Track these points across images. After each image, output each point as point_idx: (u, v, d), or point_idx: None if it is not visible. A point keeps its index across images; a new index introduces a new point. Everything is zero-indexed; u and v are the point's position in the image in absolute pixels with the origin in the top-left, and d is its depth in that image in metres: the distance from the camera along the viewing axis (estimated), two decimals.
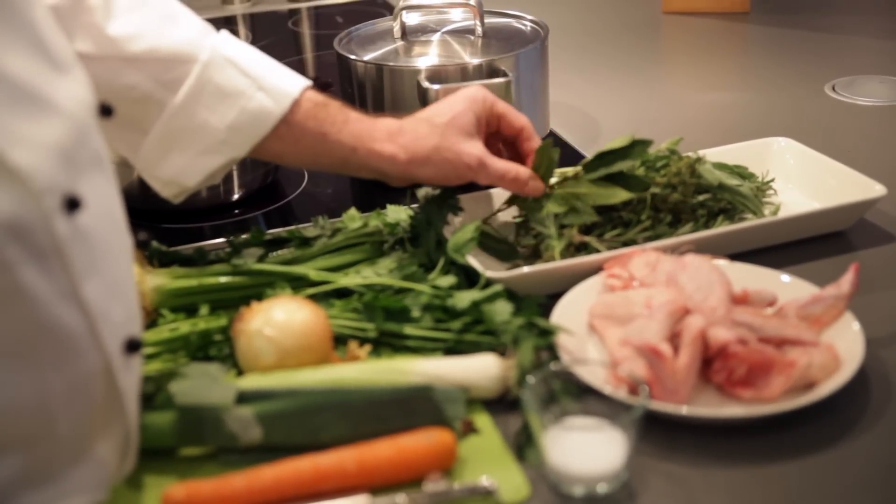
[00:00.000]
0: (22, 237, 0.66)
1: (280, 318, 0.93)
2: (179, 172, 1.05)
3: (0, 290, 0.65)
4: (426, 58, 1.37)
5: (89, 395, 0.74)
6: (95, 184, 0.74)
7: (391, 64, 1.36)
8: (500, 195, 1.20)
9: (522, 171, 1.08)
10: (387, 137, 1.05)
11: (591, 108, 1.63)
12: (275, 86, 1.04)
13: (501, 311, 0.96)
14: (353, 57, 1.38)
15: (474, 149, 1.06)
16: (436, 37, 1.41)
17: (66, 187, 0.69)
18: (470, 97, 1.09)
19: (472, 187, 1.22)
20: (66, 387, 0.71)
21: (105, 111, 0.79)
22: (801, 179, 1.26)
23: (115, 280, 0.76)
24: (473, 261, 1.06)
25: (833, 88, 1.67)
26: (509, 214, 1.17)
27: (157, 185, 1.07)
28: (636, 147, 1.11)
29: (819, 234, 1.17)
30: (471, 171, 1.06)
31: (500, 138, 1.14)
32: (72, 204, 0.69)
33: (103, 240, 0.74)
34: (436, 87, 1.29)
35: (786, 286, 1.02)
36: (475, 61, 1.34)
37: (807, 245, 1.16)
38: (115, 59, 1.00)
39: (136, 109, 1.02)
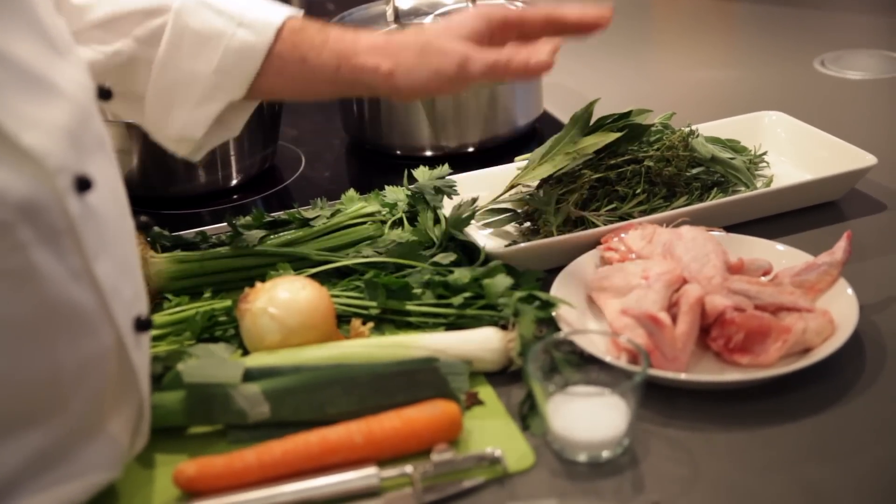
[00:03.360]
0: (36, 217, 0.67)
1: (284, 297, 0.94)
2: (184, 127, 1.03)
3: (15, 270, 0.67)
4: None
5: (102, 371, 0.75)
6: (101, 165, 0.76)
7: None
8: (497, 176, 1.21)
9: (516, 53, 0.95)
10: (370, 50, 0.98)
11: (583, 87, 1.64)
12: (255, 19, 1.00)
13: (501, 284, 0.98)
14: None
15: (460, 45, 0.96)
16: (428, 20, 1.41)
17: (77, 168, 0.70)
18: (470, 11, 1.00)
19: (469, 168, 1.24)
20: (80, 364, 0.73)
21: (103, 94, 0.80)
22: (793, 152, 1.28)
23: (123, 259, 0.77)
24: (472, 236, 1.07)
25: (822, 63, 1.69)
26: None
27: (171, 144, 1.06)
28: None
29: (812, 205, 1.19)
30: (460, 68, 0.95)
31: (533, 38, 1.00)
32: (83, 184, 0.70)
33: (110, 219, 0.75)
34: None
35: (780, 255, 1.03)
36: None
37: (800, 216, 1.18)
38: (89, 29, 0.99)
39: (128, 75, 1.01)
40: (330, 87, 1.03)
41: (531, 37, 1.00)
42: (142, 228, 0.92)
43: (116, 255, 0.75)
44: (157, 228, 1.12)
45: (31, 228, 0.67)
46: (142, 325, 0.78)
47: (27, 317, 0.69)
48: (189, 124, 1.03)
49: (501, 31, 0.99)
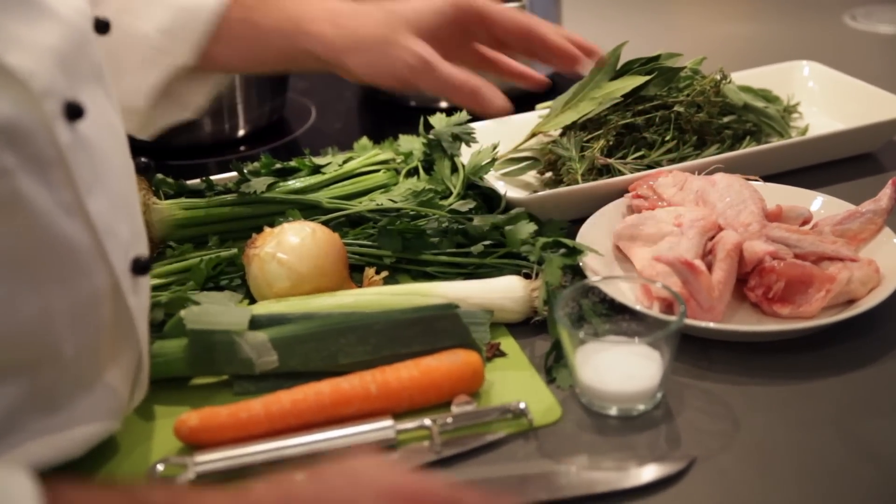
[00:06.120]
0: (21, 143, 0.62)
1: (294, 242, 0.89)
2: (125, 94, 0.92)
3: (1, 199, 0.61)
4: None
5: (96, 316, 0.70)
6: (96, 95, 0.71)
7: None
8: (517, 124, 1.15)
9: (484, 84, 0.90)
10: (325, 17, 0.91)
11: (607, 41, 1.56)
12: None
13: (525, 231, 0.92)
14: None
15: (421, 47, 0.89)
16: None
17: (67, 94, 0.66)
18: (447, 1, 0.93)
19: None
20: (72, 306, 0.67)
21: (101, 27, 0.75)
22: (828, 102, 1.22)
23: (120, 196, 0.72)
24: (493, 182, 1.01)
25: (852, 17, 1.63)
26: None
27: (124, 119, 0.99)
28: None
29: (848, 157, 1.13)
30: (411, 70, 0.89)
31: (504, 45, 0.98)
32: (73, 111, 0.66)
33: (105, 153, 0.70)
34: None
35: (819, 206, 0.98)
36: None
37: (835, 167, 1.12)
38: None
39: None
40: (283, 57, 0.95)
41: (503, 43, 0.96)
42: (142, 171, 0.87)
43: (112, 191, 0.70)
44: (160, 175, 1.07)
45: (16, 153, 0.61)
46: (140, 267, 0.73)
47: (16, 252, 0.63)
48: (130, 91, 0.94)
49: (474, 25, 0.94)
